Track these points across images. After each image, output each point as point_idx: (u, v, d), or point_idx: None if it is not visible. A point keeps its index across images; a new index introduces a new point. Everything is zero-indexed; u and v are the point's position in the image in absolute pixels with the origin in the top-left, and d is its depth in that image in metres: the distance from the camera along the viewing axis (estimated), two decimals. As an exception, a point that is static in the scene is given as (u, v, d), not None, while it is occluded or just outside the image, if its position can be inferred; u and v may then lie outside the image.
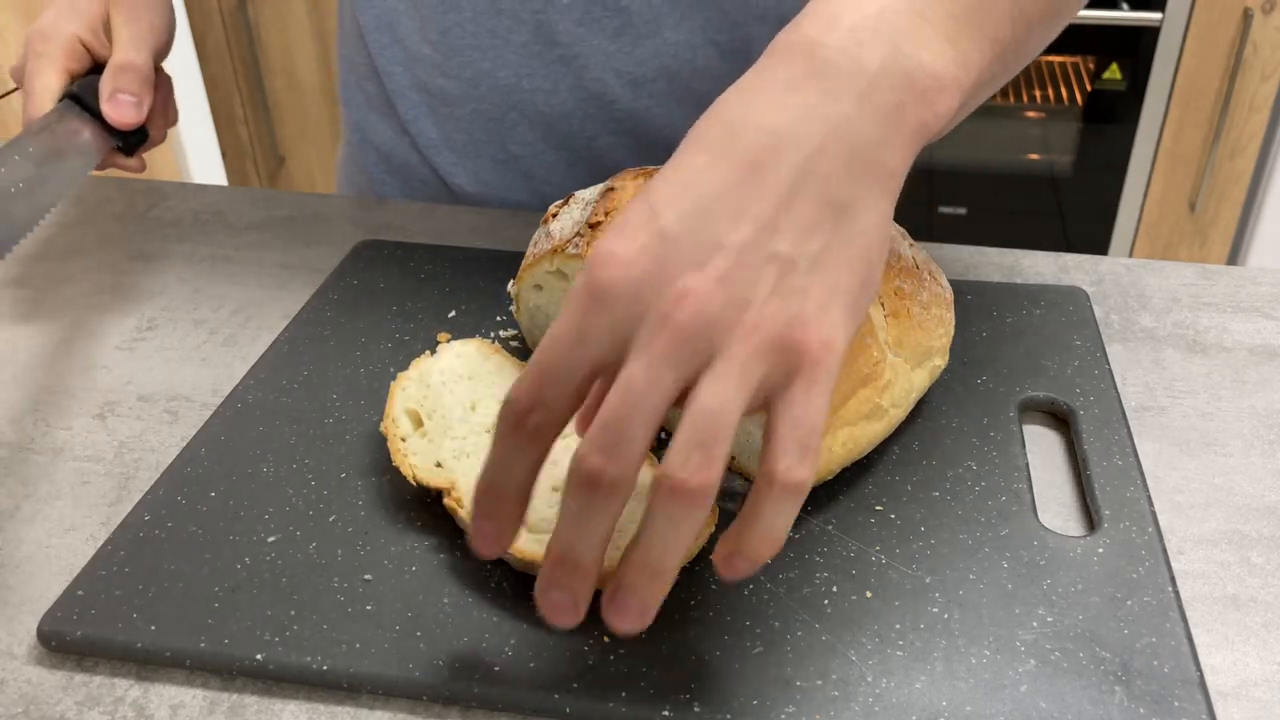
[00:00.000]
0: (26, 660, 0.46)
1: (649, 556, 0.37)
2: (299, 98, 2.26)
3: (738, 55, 0.77)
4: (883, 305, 0.53)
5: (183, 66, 2.06)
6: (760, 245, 0.36)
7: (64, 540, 0.52)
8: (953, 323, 0.57)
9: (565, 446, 0.48)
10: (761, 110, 0.38)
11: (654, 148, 0.80)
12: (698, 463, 0.35)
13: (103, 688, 0.45)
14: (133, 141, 0.69)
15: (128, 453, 0.58)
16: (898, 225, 0.57)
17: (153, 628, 0.45)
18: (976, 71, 0.42)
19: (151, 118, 0.70)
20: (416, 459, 0.51)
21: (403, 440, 0.52)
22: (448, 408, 0.54)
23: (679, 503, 0.36)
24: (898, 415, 0.53)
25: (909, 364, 0.54)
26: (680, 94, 0.77)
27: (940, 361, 0.56)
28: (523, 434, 0.37)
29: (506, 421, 0.37)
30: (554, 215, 0.59)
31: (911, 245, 0.57)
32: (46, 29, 0.67)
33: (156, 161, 2.02)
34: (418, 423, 0.53)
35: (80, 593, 0.47)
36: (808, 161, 0.37)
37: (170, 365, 0.65)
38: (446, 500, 0.49)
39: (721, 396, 0.35)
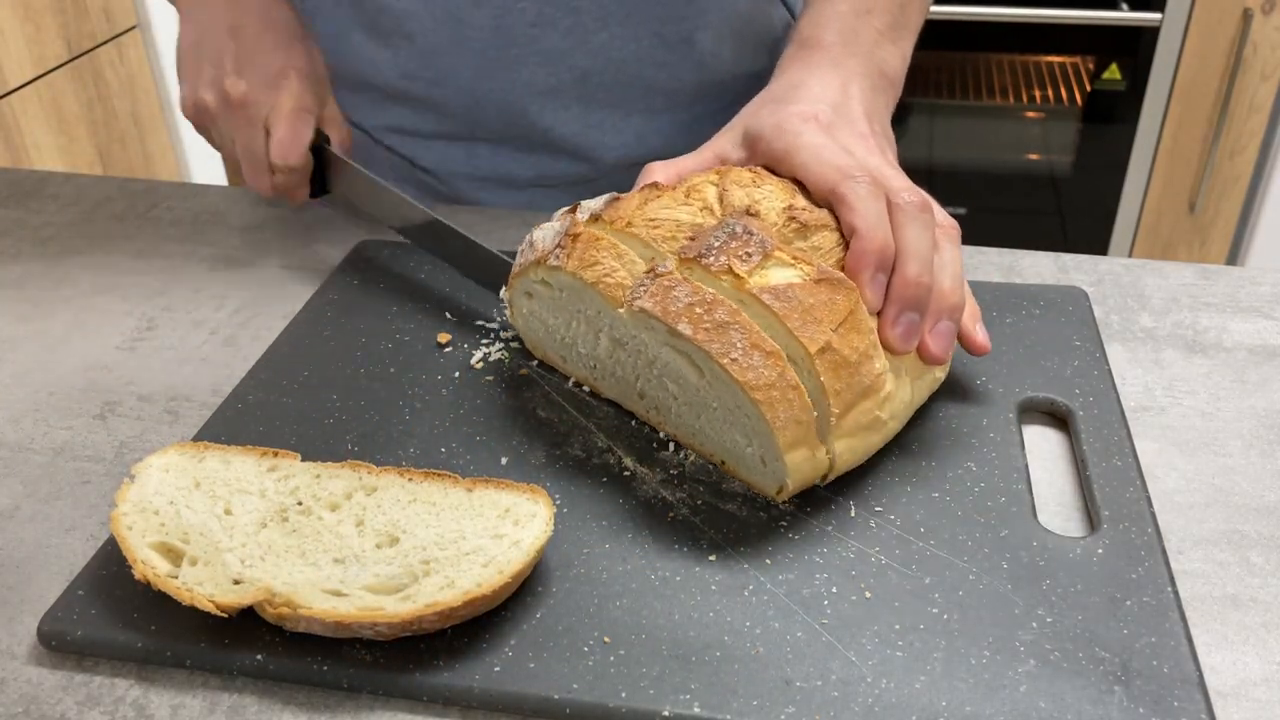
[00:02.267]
0: (26, 660, 0.46)
1: (910, 272, 0.52)
2: (299, 98, 2.25)
3: (680, 46, 0.81)
4: None
5: (183, 66, 2.06)
6: (874, 130, 0.60)
7: (64, 540, 0.52)
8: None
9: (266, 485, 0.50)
10: (821, 75, 0.62)
11: (599, 128, 0.83)
12: (916, 192, 0.54)
13: (103, 688, 0.45)
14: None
15: (128, 453, 0.58)
16: None
17: (153, 628, 0.45)
18: (908, 60, 0.68)
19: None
20: (206, 587, 0.45)
21: (174, 578, 0.46)
22: (200, 524, 0.48)
23: (922, 214, 0.53)
24: (895, 427, 0.54)
25: (909, 377, 0.54)
26: (627, 82, 0.81)
27: (940, 374, 0.57)
28: (875, 184, 0.54)
29: (864, 181, 0.54)
30: (539, 228, 0.59)
31: None
32: (294, 77, 0.72)
33: (157, 161, 2.02)
34: (173, 554, 0.47)
35: (80, 593, 0.47)
36: (868, 101, 0.62)
37: (170, 365, 0.65)
38: (270, 611, 0.44)
39: (898, 171, 0.57)
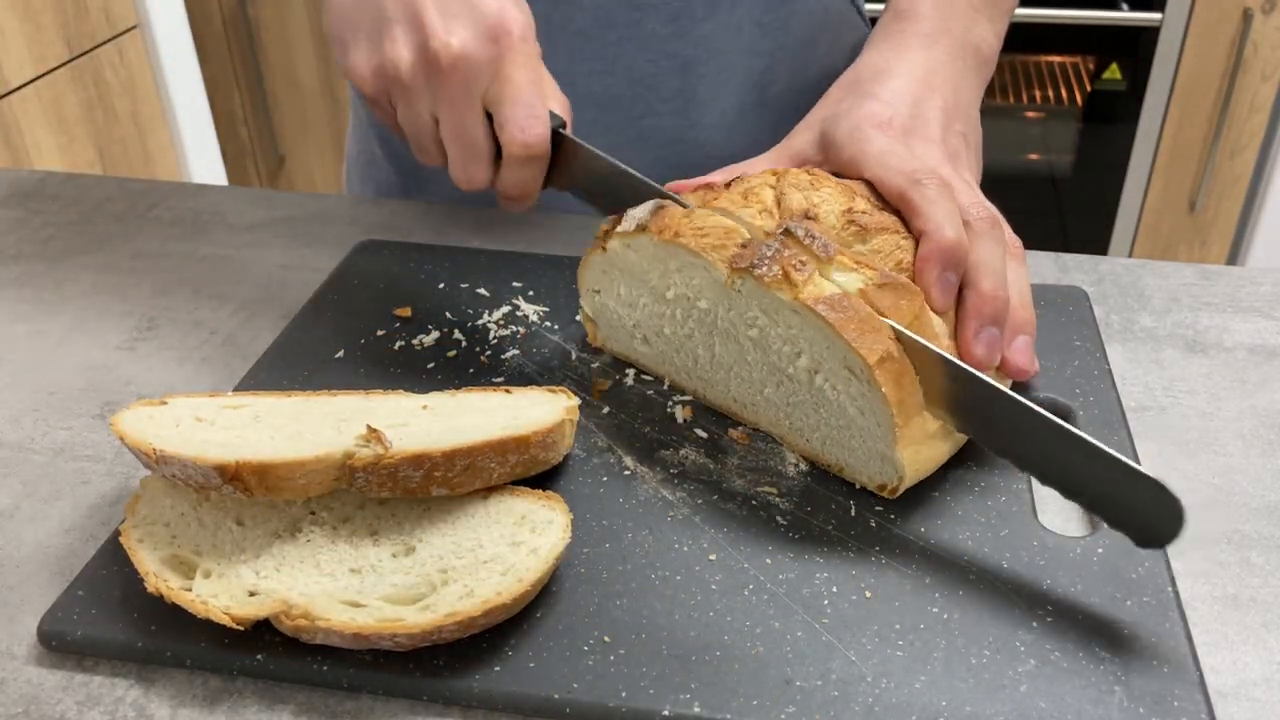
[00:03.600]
0: (26, 660, 0.46)
1: (986, 286, 0.52)
2: (299, 98, 2.26)
3: (777, 31, 0.79)
4: (948, 324, 0.53)
5: (183, 66, 2.06)
6: (950, 136, 0.60)
7: (64, 540, 0.52)
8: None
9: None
10: (909, 59, 0.61)
11: (696, 126, 0.80)
12: (987, 208, 0.55)
13: (103, 688, 0.45)
14: None
15: (128, 453, 0.58)
16: None
17: (153, 628, 0.45)
18: (1002, 39, 0.67)
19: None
20: (221, 600, 0.45)
21: (188, 590, 0.45)
22: (212, 536, 0.48)
23: (993, 229, 0.53)
24: (960, 438, 0.52)
25: None
26: (726, 72, 0.78)
27: (1006, 382, 0.55)
28: (946, 187, 0.54)
29: (934, 184, 0.53)
30: (605, 231, 0.59)
31: None
32: (518, 30, 0.57)
33: (157, 161, 2.02)
34: (185, 566, 0.47)
35: (80, 593, 0.47)
36: (953, 93, 0.61)
37: (170, 365, 0.65)
38: (287, 623, 0.43)
39: (970, 185, 0.57)
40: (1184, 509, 0.42)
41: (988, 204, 0.55)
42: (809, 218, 0.53)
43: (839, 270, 0.51)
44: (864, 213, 0.54)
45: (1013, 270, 0.55)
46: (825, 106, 0.62)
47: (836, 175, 0.58)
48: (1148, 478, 0.43)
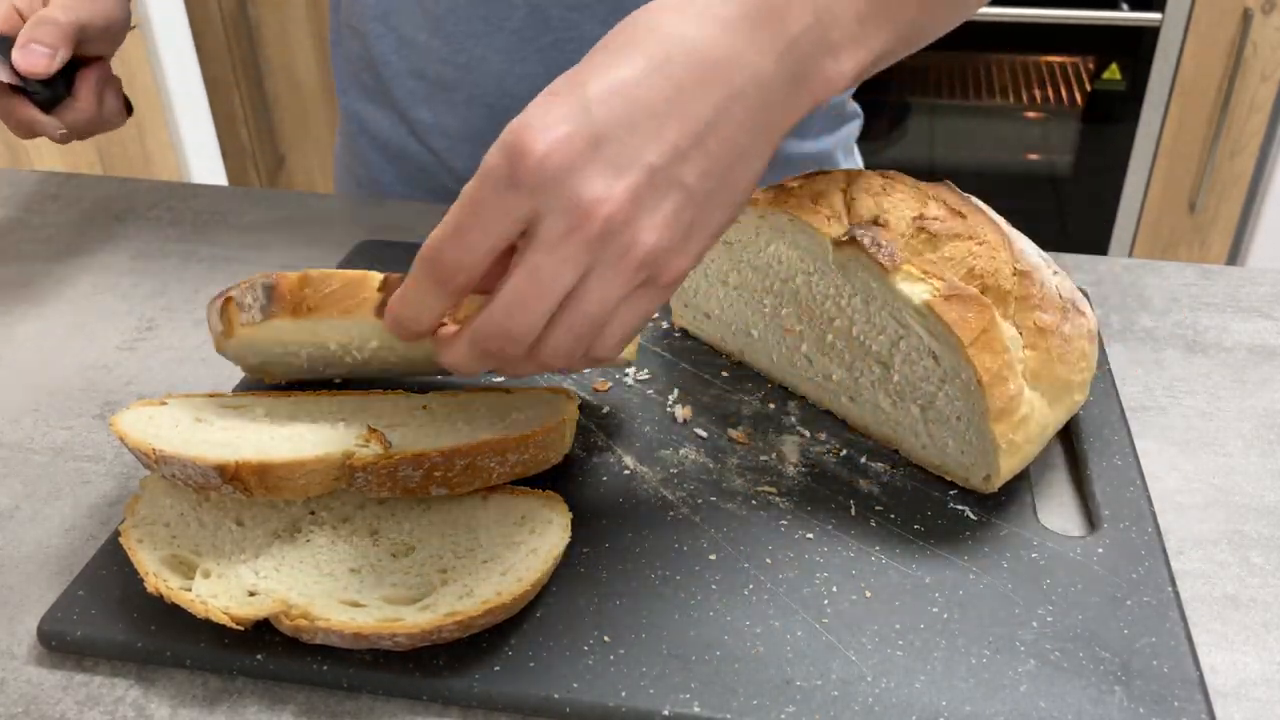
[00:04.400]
0: (26, 660, 0.46)
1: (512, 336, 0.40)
2: (299, 98, 2.26)
3: None
4: (1021, 336, 0.51)
5: (183, 66, 2.06)
6: (671, 170, 0.39)
7: (64, 540, 0.52)
8: (1095, 356, 0.54)
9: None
10: (696, 38, 0.40)
11: None
12: (578, 354, 0.41)
13: (103, 688, 0.45)
14: (47, 98, 0.69)
15: (128, 453, 0.58)
16: (1045, 253, 0.55)
17: (153, 628, 0.45)
18: (876, 52, 0.45)
19: (80, 91, 0.71)
20: (220, 600, 0.44)
21: (188, 590, 0.45)
22: (212, 536, 0.48)
23: (530, 368, 0.42)
24: (1031, 451, 0.51)
25: (1046, 399, 0.51)
26: None
27: (1080, 397, 0.53)
28: (442, 287, 0.40)
29: (426, 272, 0.40)
30: None
31: (1056, 273, 0.54)
32: None
33: (157, 161, 2.02)
34: (185, 566, 0.47)
35: (80, 593, 0.47)
36: (727, 101, 0.40)
37: (170, 365, 0.65)
38: (287, 623, 0.43)
39: (606, 304, 0.40)
40: None
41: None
42: (878, 224, 0.52)
43: (905, 280, 0.50)
44: (936, 219, 0.52)
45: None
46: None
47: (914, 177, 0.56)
48: None
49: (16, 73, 0.67)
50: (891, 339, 0.52)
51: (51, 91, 0.69)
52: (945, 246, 0.51)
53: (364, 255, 0.73)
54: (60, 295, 0.73)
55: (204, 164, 2.16)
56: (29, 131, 0.70)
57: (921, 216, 0.52)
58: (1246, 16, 1.79)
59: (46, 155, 1.76)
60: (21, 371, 0.65)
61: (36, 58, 0.67)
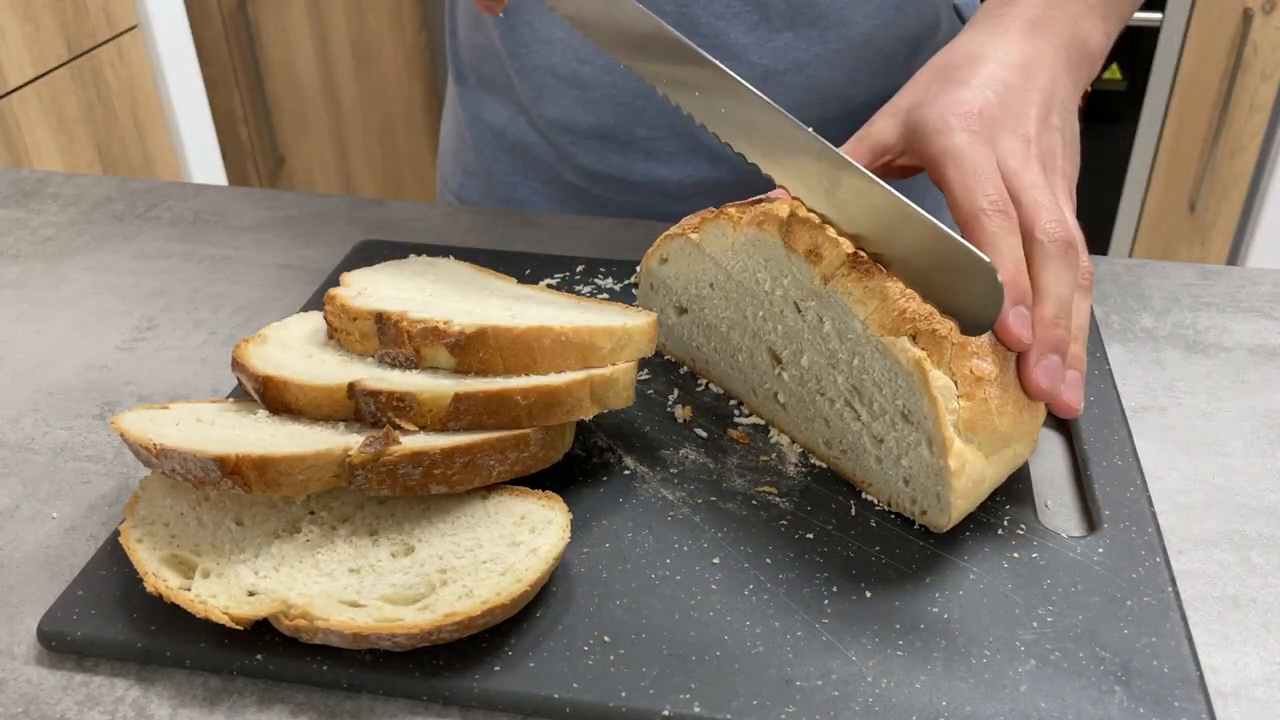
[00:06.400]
0: (26, 660, 0.46)
1: (1048, 312, 0.49)
2: (299, 98, 2.26)
3: (863, 48, 0.77)
4: (956, 385, 0.48)
5: (183, 66, 2.06)
6: (1048, 120, 0.56)
7: (64, 540, 0.52)
8: (1043, 407, 0.51)
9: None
10: (1007, 47, 0.57)
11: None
12: (1064, 229, 0.50)
13: (103, 688, 0.45)
14: None
15: (128, 453, 0.58)
16: None
17: (153, 628, 0.45)
18: (1112, 40, 0.63)
19: None
20: (220, 600, 0.44)
21: (187, 590, 0.45)
22: (212, 536, 0.48)
23: (1065, 254, 0.50)
24: (963, 506, 0.49)
25: (982, 452, 0.48)
26: (804, 85, 0.78)
27: (1023, 449, 0.51)
28: (1003, 214, 0.50)
29: (999, 217, 0.50)
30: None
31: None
32: None
33: (157, 161, 2.02)
34: (185, 566, 0.47)
35: (80, 593, 0.47)
36: (1048, 81, 0.56)
37: (170, 365, 0.65)
38: (286, 623, 0.43)
39: (1054, 197, 0.52)
40: (1002, 287, 0.45)
41: (1068, 222, 0.51)
42: (811, 256, 0.52)
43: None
44: (866, 260, 0.50)
45: (1076, 301, 0.51)
46: (911, 92, 0.58)
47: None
48: (971, 252, 0.46)
49: None
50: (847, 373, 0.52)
51: None
52: (876, 284, 0.49)
53: (364, 255, 0.73)
54: (60, 295, 0.73)
55: (204, 164, 2.16)
56: None
57: (857, 254, 0.50)
58: (1246, 16, 1.79)
59: (46, 155, 1.76)
60: (21, 371, 0.65)
61: None
